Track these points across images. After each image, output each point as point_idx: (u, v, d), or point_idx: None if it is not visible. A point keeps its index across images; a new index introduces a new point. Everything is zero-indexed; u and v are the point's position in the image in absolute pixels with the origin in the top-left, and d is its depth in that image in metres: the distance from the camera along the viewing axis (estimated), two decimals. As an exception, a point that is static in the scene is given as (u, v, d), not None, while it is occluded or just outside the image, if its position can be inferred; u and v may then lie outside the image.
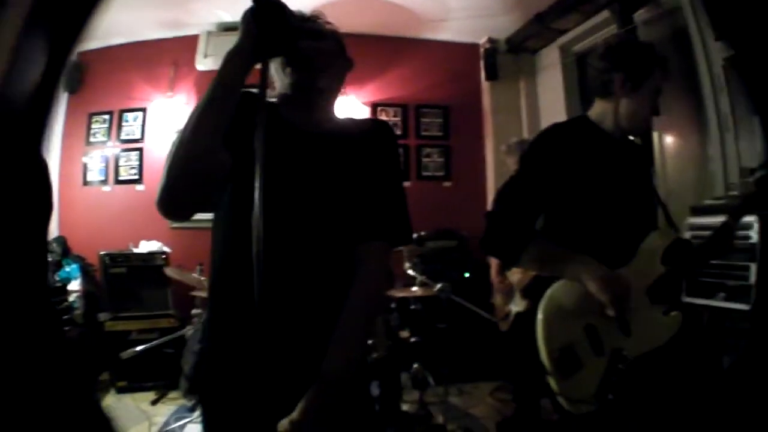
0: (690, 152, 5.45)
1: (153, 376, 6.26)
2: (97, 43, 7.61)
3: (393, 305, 5.88)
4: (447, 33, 7.91)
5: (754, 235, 3.76)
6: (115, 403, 5.99)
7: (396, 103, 8.11)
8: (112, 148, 7.83)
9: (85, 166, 7.83)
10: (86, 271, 6.89)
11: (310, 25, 1.93)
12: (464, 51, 8.13)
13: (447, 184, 8.11)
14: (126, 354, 4.90)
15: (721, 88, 4.85)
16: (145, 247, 7.14)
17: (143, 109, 7.82)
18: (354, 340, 1.84)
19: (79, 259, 7.01)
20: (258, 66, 1.70)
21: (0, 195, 1.11)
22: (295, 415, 1.68)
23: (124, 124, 7.83)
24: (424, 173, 8.05)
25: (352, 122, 2.14)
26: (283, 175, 1.84)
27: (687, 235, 3.90)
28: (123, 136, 7.81)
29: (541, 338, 2.45)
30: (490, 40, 7.89)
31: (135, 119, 7.81)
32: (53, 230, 7.38)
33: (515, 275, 5.02)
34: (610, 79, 2.67)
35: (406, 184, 7.03)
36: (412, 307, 5.51)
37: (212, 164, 1.68)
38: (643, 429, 2.60)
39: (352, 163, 1.95)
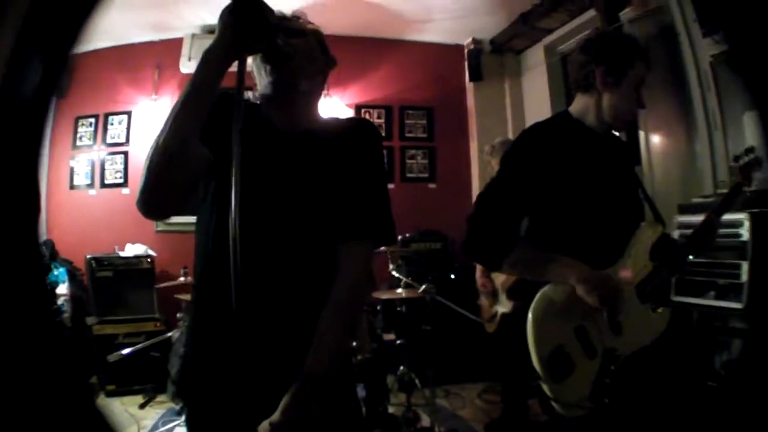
0: (677, 150, 5.43)
1: (141, 380, 6.26)
2: (82, 46, 7.57)
3: (378, 307, 5.89)
4: (431, 34, 7.91)
5: (745, 233, 3.76)
6: (103, 408, 5.94)
7: (380, 105, 8.12)
8: (98, 152, 7.82)
9: (71, 170, 7.81)
10: (73, 275, 6.88)
11: (290, 23, 1.92)
12: (448, 52, 8.16)
13: (432, 185, 8.14)
14: (113, 357, 4.91)
15: (708, 85, 4.86)
16: (131, 250, 7.14)
17: (128, 113, 7.81)
18: (335, 339, 1.83)
19: (67, 263, 7.00)
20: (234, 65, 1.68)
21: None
22: (275, 416, 1.69)
23: (109, 127, 7.82)
24: (409, 175, 8.06)
25: (334, 121, 2.13)
26: (262, 175, 1.84)
27: (675, 233, 3.87)
28: (108, 140, 7.79)
29: (532, 343, 2.39)
30: (475, 41, 7.90)
31: (120, 122, 7.80)
32: (41, 234, 7.37)
33: (500, 277, 5.03)
34: (590, 72, 2.59)
35: (390, 186, 7.06)
36: (398, 309, 5.51)
37: (190, 163, 1.67)
38: (636, 428, 2.59)
39: (334, 162, 1.94)
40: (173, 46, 7.35)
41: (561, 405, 2.38)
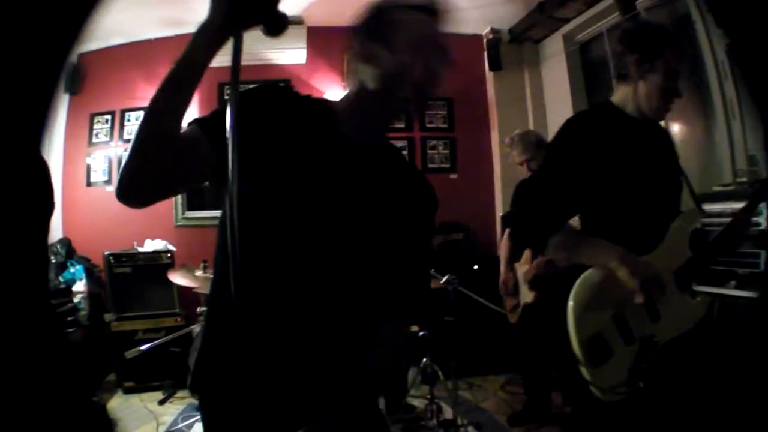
0: (696, 139, 5.42)
1: (160, 376, 6.23)
2: (97, 43, 7.61)
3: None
4: (449, 24, 7.74)
5: (764, 222, 3.73)
6: (122, 404, 5.98)
7: (401, 95, 7.98)
8: (115, 148, 7.81)
9: (88, 167, 7.82)
10: (91, 272, 6.89)
11: None
12: (467, 42, 8.06)
13: (453, 176, 8.06)
14: (130, 353, 4.87)
15: (725, 73, 4.81)
16: (150, 246, 7.13)
17: (145, 108, 7.73)
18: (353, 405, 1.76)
19: (84, 260, 7.00)
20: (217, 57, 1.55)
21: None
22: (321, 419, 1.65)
23: (126, 123, 7.81)
24: (430, 165, 7.97)
25: (403, 162, 2.01)
26: (327, 194, 1.73)
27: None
28: (125, 136, 7.77)
29: (572, 327, 2.50)
30: (493, 31, 7.84)
31: (137, 118, 7.74)
32: (57, 232, 7.38)
33: (523, 267, 4.99)
34: (626, 62, 2.70)
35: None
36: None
37: (169, 147, 1.53)
38: (669, 415, 2.60)
39: (402, 216, 1.85)
40: (188, 42, 7.25)
41: (598, 389, 2.46)
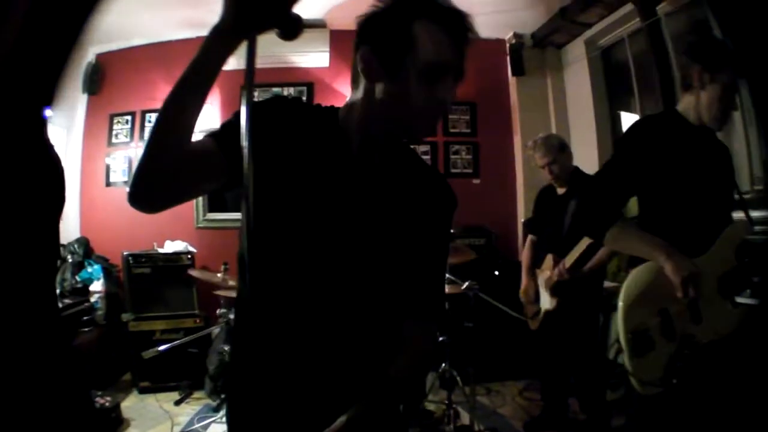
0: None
1: (177, 377, 6.23)
2: (117, 44, 7.66)
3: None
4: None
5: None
6: (137, 404, 5.97)
7: (424, 100, 7.98)
8: (136, 149, 7.83)
9: (107, 167, 7.86)
10: (109, 272, 6.90)
11: None
12: (490, 46, 8.03)
13: (476, 181, 8.03)
14: (148, 353, 4.86)
15: (742, 81, 4.78)
16: (170, 247, 7.15)
17: (166, 110, 7.78)
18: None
19: (102, 260, 7.02)
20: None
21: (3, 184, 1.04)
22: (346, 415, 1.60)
23: (146, 124, 7.84)
24: (453, 170, 7.94)
25: (417, 162, 1.93)
26: (332, 214, 1.70)
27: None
28: (146, 137, 7.75)
29: (621, 316, 2.75)
30: (516, 35, 7.82)
31: (157, 120, 7.79)
32: (75, 231, 7.41)
33: (544, 274, 4.97)
34: (690, 72, 2.87)
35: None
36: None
37: (181, 156, 1.50)
38: (699, 414, 2.74)
39: (415, 222, 1.80)
40: (200, 45, 7.24)
41: (637, 381, 2.68)
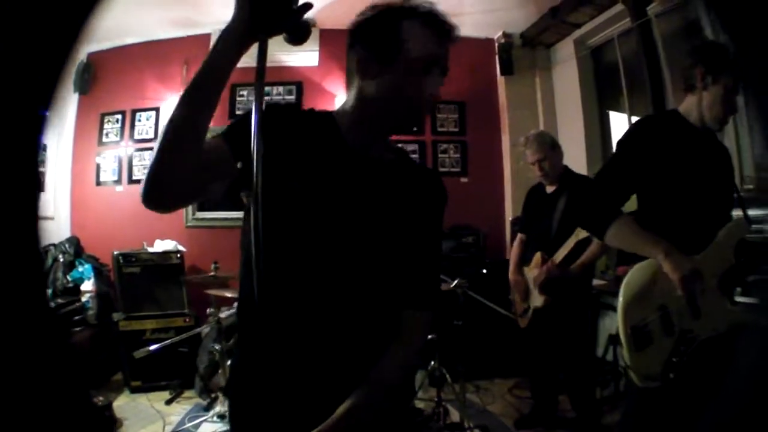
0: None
1: (167, 376, 6.23)
2: (108, 43, 7.65)
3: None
4: (462, 28, 7.63)
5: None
6: (129, 403, 5.97)
7: (412, 99, 7.99)
8: (126, 148, 7.84)
9: (98, 167, 7.86)
10: (99, 272, 6.89)
11: None
12: (479, 46, 8.05)
13: (464, 179, 8.04)
14: (139, 353, 4.86)
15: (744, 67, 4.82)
16: (160, 246, 7.13)
17: (156, 109, 7.84)
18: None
19: (92, 260, 7.01)
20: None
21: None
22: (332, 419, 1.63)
23: (137, 123, 7.86)
24: (441, 169, 7.94)
25: (407, 161, 2.01)
26: (336, 204, 1.74)
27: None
28: (136, 136, 7.83)
29: (621, 310, 2.81)
30: (505, 35, 7.83)
31: (148, 119, 7.84)
32: (66, 231, 7.40)
33: (533, 271, 5.00)
34: (693, 74, 2.95)
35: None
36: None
37: (194, 154, 1.53)
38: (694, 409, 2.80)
39: (411, 214, 1.85)
40: (201, 42, 7.30)
41: (635, 374, 2.76)
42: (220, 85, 1.54)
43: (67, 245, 6.98)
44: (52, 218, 7.37)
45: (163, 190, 1.54)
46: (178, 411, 5.70)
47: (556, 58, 8.00)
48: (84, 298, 6.52)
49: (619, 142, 3.06)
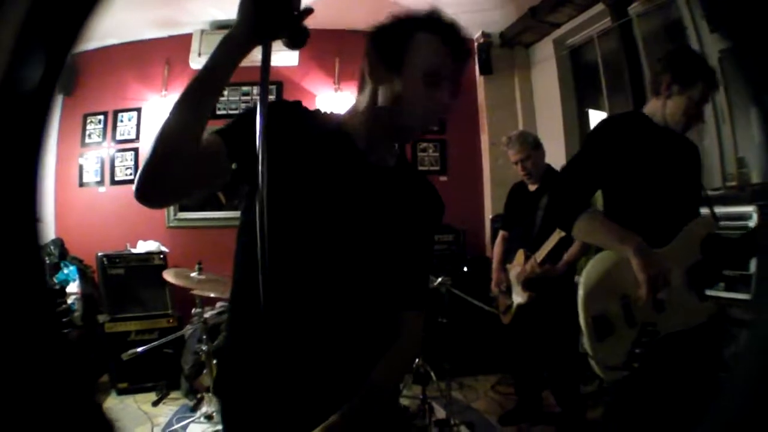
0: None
1: (153, 377, 6.22)
2: (90, 44, 7.59)
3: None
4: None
5: (753, 225, 3.83)
6: (116, 405, 5.98)
7: (391, 98, 7.99)
8: (108, 149, 7.83)
9: (81, 168, 7.84)
10: (84, 273, 6.87)
11: None
12: (458, 45, 8.03)
13: (443, 178, 8.07)
14: (127, 355, 4.86)
15: (714, 94, 4.87)
16: (143, 247, 7.14)
17: (138, 109, 7.82)
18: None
19: (77, 261, 6.99)
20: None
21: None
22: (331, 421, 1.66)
23: (119, 124, 7.84)
24: (420, 167, 7.96)
25: (409, 167, 2.09)
26: (343, 208, 1.78)
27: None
28: (118, 137, 7.81)
29: (582, 301, 2.81)
30: (484, 35, 7.85)
31: (130, 119, 7.82)
32: (50, 233, 7.37)
33: (515, 269, 5.03)
34: (660, 80, 2.98)
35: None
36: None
37: (192, 153, 1.54)
38: (662, 402, 2.79)
39: (415, 220, 1.92)
40: (182, 42, 7.33)
41: (597, 365, 2.75)
42: (220, 88, 1.59)
43: (52, 247, 6.96)
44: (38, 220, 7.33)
45: (156, 187, 1.56)
46: (165, 412, 5.72)
47: (536, 58, 8.04)
48: (70, 300, 6.51)
49: (585, 139, 3.17)
